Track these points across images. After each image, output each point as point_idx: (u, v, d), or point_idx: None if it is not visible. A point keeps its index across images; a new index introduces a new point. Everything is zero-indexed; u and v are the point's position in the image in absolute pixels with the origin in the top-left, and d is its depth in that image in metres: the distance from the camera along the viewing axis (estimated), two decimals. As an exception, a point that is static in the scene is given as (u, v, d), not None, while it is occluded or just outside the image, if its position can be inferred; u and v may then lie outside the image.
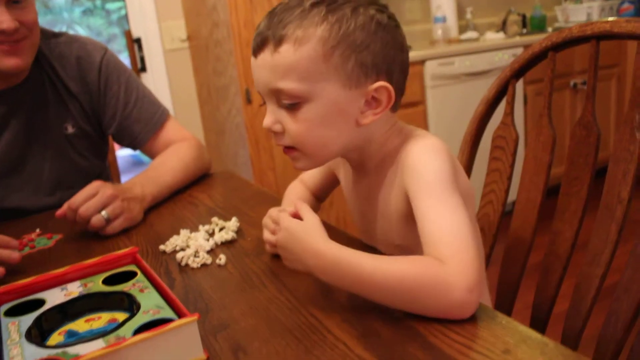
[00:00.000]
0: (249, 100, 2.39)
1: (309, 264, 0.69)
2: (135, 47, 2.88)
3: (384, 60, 0.74)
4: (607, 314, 0.84)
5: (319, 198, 1.05)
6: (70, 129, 1.37)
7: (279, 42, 0.71)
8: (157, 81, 2.86)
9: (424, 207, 0.69)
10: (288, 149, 0.78)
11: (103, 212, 1.06)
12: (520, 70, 1.05)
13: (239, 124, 2.50)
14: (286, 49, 0.71)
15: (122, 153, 4.48)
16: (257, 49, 0.74)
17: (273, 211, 0.88)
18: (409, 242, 0.80)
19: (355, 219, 0.94)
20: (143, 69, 2.87)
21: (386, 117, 0.78)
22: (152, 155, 1.43)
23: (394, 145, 0.79)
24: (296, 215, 0.76)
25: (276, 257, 0.85)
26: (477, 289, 0.61)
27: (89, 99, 1.37)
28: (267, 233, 0.86)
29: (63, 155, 1.37)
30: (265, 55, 0.73)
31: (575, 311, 0.90)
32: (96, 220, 1.06)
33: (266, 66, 0.73)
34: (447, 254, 0.63)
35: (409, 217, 0.76)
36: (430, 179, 0.70)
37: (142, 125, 1.40)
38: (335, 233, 0.91)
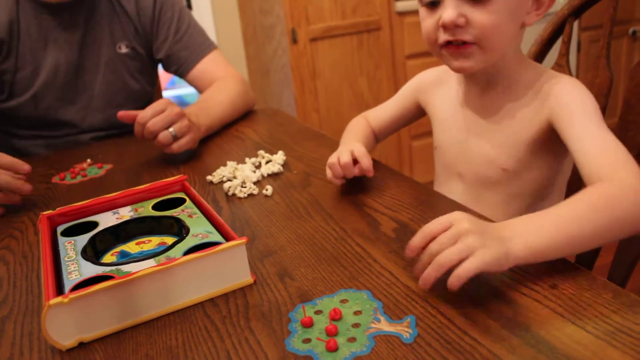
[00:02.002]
0: (294, 40, 2.37)
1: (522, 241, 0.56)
2: (182, -16, 2.86)
3: None
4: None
5: (379, 138, 1.05)
6: (124, 49, 1.41)
7: None
8: (202, 20, 2.84)
9: (582, 130, 0.71)
10: (461, 46, 0.77)
11: (171, 129, 1.08)
12: (579, 8, 1.01)
13: (284, 65, 2.48)
14: None
15: (168, 94, 4.52)
16: None
17: (343, 149, 0.86)
18: (515, 165, 0.83)
19: (443, 142, 0.94)
20: (189, 6, 2.86)
21: (522, 33, 0.81)
22: (196, 85, 1.47)
23: (528, 76, 0.82)
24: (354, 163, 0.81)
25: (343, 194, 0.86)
26: None
27: (143, 22, 1.41)
28: (330, 172, 0.86)
29: (115, 74, 1.41)
30: None
31: (620, 259, 0.88)
32: (164, 136, 1.08)
33: None
34: (612, 165, 0.65)
35: (531, 144, 0.81)
36: (589, 109, 0.74)
37: (190, 52, 1.43)
38: (398, 176, 0.92)
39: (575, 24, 2.62)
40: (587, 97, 0.75)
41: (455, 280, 0.52)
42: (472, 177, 0.89)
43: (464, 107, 0.90)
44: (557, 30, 1.04)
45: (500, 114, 0.84)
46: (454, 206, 0.77)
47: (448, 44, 0.78)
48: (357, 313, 0.55)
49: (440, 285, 0.56)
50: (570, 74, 1.01)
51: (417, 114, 1.01)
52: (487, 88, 0.85)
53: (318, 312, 0.56)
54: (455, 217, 0.56)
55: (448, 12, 0.74)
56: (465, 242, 0.54)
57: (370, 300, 0.57)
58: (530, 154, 0.82)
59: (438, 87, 0.95)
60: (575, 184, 0.94)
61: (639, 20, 3.06)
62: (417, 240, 0.57)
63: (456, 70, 0.81)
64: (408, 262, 0.63)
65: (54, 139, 1.41)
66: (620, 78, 3.03)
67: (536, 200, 0.86)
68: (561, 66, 1.03)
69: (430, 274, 0.54)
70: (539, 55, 1.08)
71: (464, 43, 0.77)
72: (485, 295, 0.55)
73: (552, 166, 0.84)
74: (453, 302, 0.55)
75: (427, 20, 0.79)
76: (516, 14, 0.76)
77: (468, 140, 0.89)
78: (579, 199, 0.60)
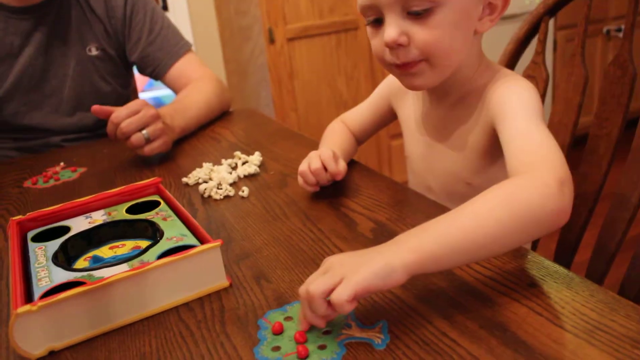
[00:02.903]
0: (272, 40, 2.36)
1: (398, 261, 0.50)
2: (157, -15, 2.84)
3: None
4: (633, 256, 0.83)
5: (360, 139, 1.02)
6: (94, 51, 1.38)
7: None
8: (178, 21, 2.81)
9: (513, 129, 0.67)
10: (410, 64, 0.74)
11: (144, 131, 1.06)
12: (554, 7, 1.01)
13: (262, 65, 2.47)
14: None
15: (144, 96, 4.47)
16: None
17: (312, 155, 0.84)
18: (479, 179, 0.80)
19: (411, 153, 0.92)
20: (165, 7, 2.83)
21: (479, 39, 0.78)
22: (173, 87, 1.45)
23: (483, 81, 0.78)
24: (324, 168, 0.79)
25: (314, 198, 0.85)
26: (569, 183, 0.57)
27: (114, 23, 1.38)
28: (302, 180, 0.83)
29: (85, 76, 1.39)
30: None
31: (599, 255, 0.89)
32: (136, 138, 1.06)
33: None
34: (532, 159, 0.61)
35: (486, 153, 0.77)
36: (522, 105, 0.70)
37: (165, 53, 1.41)
38: (375, 176, 0.91)
39: (551, 23, 2.64)
40: (524, 95, 0.71)
41: (338, 307, 0.48)
42: (440, 190, 0.87)
43: (425, 119, 0.87)
44: (533, 29, 1.05)
45: (457, 125, 0.81)
46: (431, 205, 0.77)
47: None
48: (328, 319, 0.54)
49: (417, 285, 0.56)
50: (546, 71, 1.02)
51: (392, 117, 0.98)
52: (443, 99, 0.83)
53: (288, 319, 0.55)
54: (327, 259, 0.54)
55: (389, 32, 0.71)
56: (332, 272, 0.50)
57: (343, 305, 0.55)
58: (491, 165, 0.79)
59: (406, 94, 0.92)
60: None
61: (613, 19, 3.10)
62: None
63: (409, 88, 0.79)
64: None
65: (23, 142, 1.38)
66: (595, 76, 3.07)
67: None
68: (537, 64, 1.03)
69: (303, 312, 0.51)
70: (515, 54, 1.08)
71: (410, 62, 0.73)
72: (463, 294, 0.55)
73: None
74: (430, 302, 0.54)
75: (374, 40, 0.76)
76: (463, 24, 0.72)
77: (432, 153, 0.86)
78: (480, 196, 0.56)
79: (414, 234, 0.53)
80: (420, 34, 0.70)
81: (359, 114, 1.01)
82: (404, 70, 0.75)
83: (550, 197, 0.54)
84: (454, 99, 0.81)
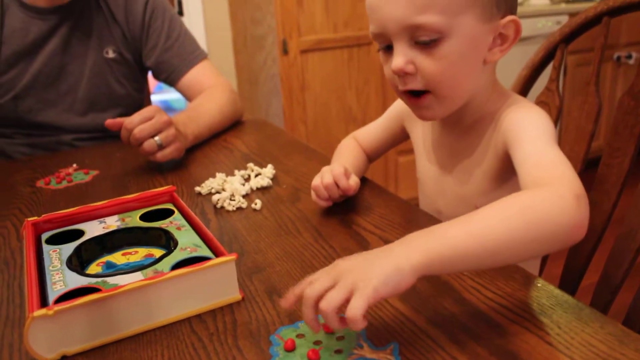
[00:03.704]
0: (285, 51, 2.37)
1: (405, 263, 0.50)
2: (174, -10, 2.86)
3: None
4: (640, 285, 0.84)
5: (372, 157, 1.03)
6: (111, 54, 1.41)
7: None
8: (193, 27, 2.84)
9: (527, 151, 0.67)
10: (417, 97, 0.75)
11: (156, 138, 1.08)
12: (570, 35, 1.03)
13: (274, 75, 2.48)
14: None
15: (154, 99, 4.50)
16: None
17: (325, 170, 0.85)
18: (487, 201, 0.80)
19: (422, 175, 0.92)
20: (180, 13, 2.85)
21: (492, 66, 0.78)
22: (186, 94, 1.46)
23: (495, 107, 0.78)
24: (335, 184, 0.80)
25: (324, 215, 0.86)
26: (584, 199, 0.56)
27: (132, 28, 1.41)
28: (314, 195, 0.84)
29: (100, 77, 1.41)
30: None
31: (605, 283, 0.89)
32: (149, 144, 1.07)
33: (402, 2, 0.69)
34: (547, 175, 0.61)
35: (497, 178, 0.78)
36: (536, 129, 0.70)
37: (181, 60, 1.43)
38: (386, 194, 0.91)
39: (563, 47, 2.65)
40: (537, 119, 0.72)
41: (353, 324, 0.47)
42: (449, 213, 0.87)
43: (437, 144, 0.88)
44: (548, 55, 1.06)
45: (469, 151, 0.82)
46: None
47: (407, 92, 0.76)
48: (339, 338, 0.54)
49: (428, 309, 0.57)
50: (559, 98, 1.03)
51: (405, 136, 0.99)
52: (454, 125, 0.83)
53: (300, 336, 0.55)
54: (335, 263, 0.53)
55: (396, 60, 0.71)
56: (344, 282, 0.49)
57: (354, 326, 0.56)
58: (500, 189, 0.80)
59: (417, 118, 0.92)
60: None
61: (624, 46, 3.12)
62: (296, 290, 0.52)
63: (420, 118, 0.80)
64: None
65: (35, 138, 1.40)
66: (605, 102, 3.07)
67: None
68: (551, 91, 1.04)
69: (315, 326, 0.51)
70: (530, 80, 1.09)
71: (420, 93, 0.74)
72: (474, 320, 0.55)
73: None
74: (441, 326, 0.55)
75: (386, 66, 0.77)
76: (471, 54, 0.72)
77: (443, 178, 0.87)
78: (495, 203, 0.55)
79: (423, 234, 0.53)
80: (427, 63, 0.71)
81: (372, 132, 1.02)
82: (414, 102, 0.76)
83: (567, 210, 0.54)
84: (465, 125, 0.82)
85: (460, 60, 0.72)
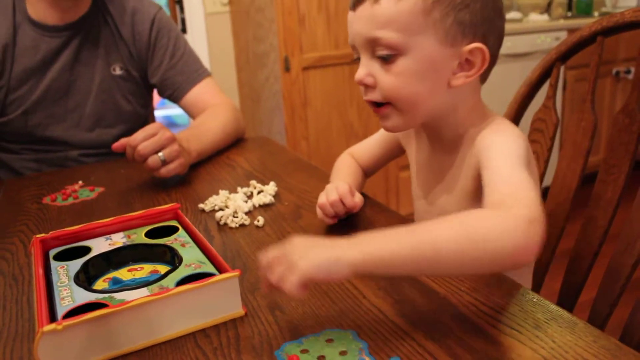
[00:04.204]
0: (287, 68, 2.40)
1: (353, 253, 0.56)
2: (177, 8, 2.90)
3: (482, 22, 0.74)
4: (636, 300, 0.85)
5: (368, 173, 1.05)
6: (118, 71, 1.44)
7: None
8: (196, 44, 2.87)
9: (494, 170, 0.68)
10: (379, 106, 0.78)
11: (160, 154, 1.10)
12: (566, 53, 1.04)
13: (276, 92, 2.51)
14: (387, 1, 0.72)
15: (157, 114, 4.53)
16: (357, 2, 0.75)
17: (329, 188, 0.87)
18: None
19: (414, 192, 0.94)
20: (183, 30, 2.89)
21: (474, 86, 0.79)
22: (189, 111, 1.50)
23: (474, 128, 0.79)
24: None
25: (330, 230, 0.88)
26: (539, 224, 0.57)
27: (139, 46, 1.44)
28: (320, 212, 0.86)
29: (107, 94, 1.44)
30: (365, 7, 0.74)
31: (602, 298, 0.91)
32: (153, 160, 1.09)
33: (365, 17, 0.74)
34: (507, 198, 0.61)
35: (474, 197, 0.78)
36: (506, 151, 0.70)
37: (184, 77, 1.46)
38: (387, 211, 0.93)
39: (562, 63, 2.67)
40: (510, 142, 0.72)
41: (287, 294, 0.55)
42: None
43: (425, 161, 0.90)
44: (545, 73, 1.08)
45: (450, 169, 0.83)
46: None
47: (370, 101, 0.78)
48: (342, 353, 0.56)
49: (427, 323, 0.58)
50: (556, 116, 1.05)
51: (401, 152, 1.00)
52: (437, 143, 0.85)
53: (304, 351, 0.57)
54: (290, 239, 0.59)
55: (359, 71, 0.76)
56: (287, 258, 0.56)
57: (355, 341, 0.58)
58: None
59: (410, 135, 0.94)
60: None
61: (622, 61, 3.14)
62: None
63: (383, 128, 0.82)
64: (396, 299, 0.65)
65: (43, 154, 1.42)
66: (603, 117, 3.10)
67: None
68: (548, 108, 1.06)
69: (265, 287, 0.59)
70: (527, 97, 1.11)
71: (380, 104, 0.77)
72: (470, 334, 0.57)
73: None
74: (439, 341, 0.56)
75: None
76: (429, 75, 0.74)
77: (430, 195, 0.88)
78: (446, 218, 0.58)
79: (370, 236, 0.57)
80: (384, 78, 0.74)
81: (368, 148, 1.04)
82: (375, 111, 0.79)
83: (513, 232, 0.56)
84: (447, 144, 0.83)
85: (416, 78, 0.74)
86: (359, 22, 0.75)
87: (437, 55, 0.73)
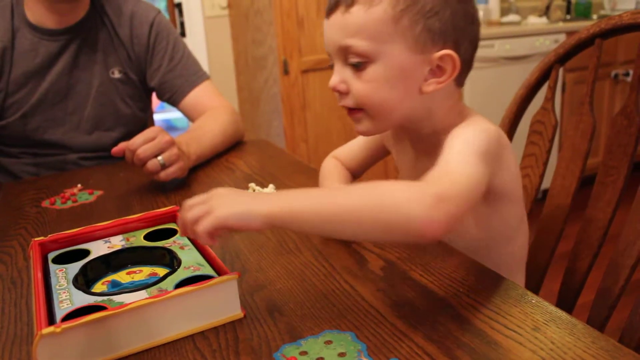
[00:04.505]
0: (286, 71, 2.40)
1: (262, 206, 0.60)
2: (176, 12, 2.91)
3: (453, 29, 0.74)
4: (635, 301, 0.85)
5: (355, 175, 1.05)
6: (117, 74, 1.44)
7: (351, 3, 0.73)
8: (195, 48, 2.88)
9: (447, 147, 0.70)
10: (352, 110, 0.79)
11: (159, 157, 1.10)
12: (564, 56, 1.04)
13: (275, 95, 2.51)
14: (357, 9, 0.73)
15: (156, 117, 4.53)
16: (330, 10, 0.76)
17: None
18: (460, 225, 0.81)
19: None
20: (182, 34, 2.90)
21: (450, 90, 0.78)
22: (188, 114, 1.50)
23: (455, 127, 0.78)
24: None
25: None
26: (447, 203, 0.59)
27: (137, 50, 1.44)
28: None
29: (106, 97, 1.44)
30: (337, 15, 0.75)
31: (601, 299, 0.91)
32: (152, 164, 1.09)
33: (337, 25, 0.75)
34: (435, 178, 0.64)
35: None
36: (463, 137, 0.71)
37: (183, 81, 1.46)
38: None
39: (560, 66, 2.69)
40: (471, 134, 0.72)
41: (198, 238, 0.60)
42: None
43: (409, 163, 0.90)
44: (544, 76, 1.08)
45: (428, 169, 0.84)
46: (438, 246, 0.79)
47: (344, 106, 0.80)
48: (341, 355, 0.56)
49: (426, 325, 0.58)
50: (555, 118, 1.05)
51: (386, 153, 1.00)
52: (418, 145, 0.86)
53: (303, 353, 0.57)
54: (214, 189, 0.63)
55: (332, 78, 0.77)
56: (207, 202, 0.60)
57: (354, 342, 0.58)
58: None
59: (391, 137, 0.94)
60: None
61: (621, 64, 3.15)
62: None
63: (356, 132, 0.83)
64: (395, 300, 0.65)
65: (41, 157, 1.42)
66: (602, 119, 3.10)
67: (501, 245, 0.85)
68: (546, 110, 1.06)
69: (181, 230, 0.63)
70: (526, 99, 1.11)
71: (352, 108, 0.78)
72: (470, 336, 0.57)
73: (495, 212, 0.81)
74: (438, 342, 0.56)
75: None
76: (399, 82, 0.75)
77: None
78: (366, 183, 0.62)
79: (293, 192, 0.62)
80: (355, 84, 0.75)
81: (353, 150, 1.04)
82: (349, 114, 0.80)
83: (419, 205, 0.58)
84: (429, 145, 0.83)
85: (387, 85, 0.75)
86: (331, 30, 0.76)
87: (407, 62, 0.74)
